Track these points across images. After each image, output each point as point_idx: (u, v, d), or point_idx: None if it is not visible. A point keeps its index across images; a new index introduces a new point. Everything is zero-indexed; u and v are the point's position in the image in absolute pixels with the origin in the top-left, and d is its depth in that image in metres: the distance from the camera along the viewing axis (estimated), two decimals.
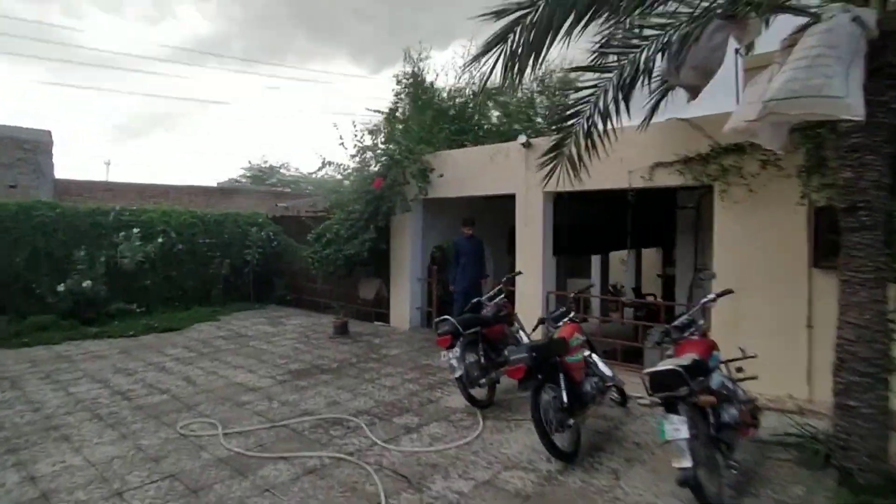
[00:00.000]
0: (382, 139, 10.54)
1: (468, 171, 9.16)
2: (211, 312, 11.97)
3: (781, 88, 3.49)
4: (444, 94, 12.99)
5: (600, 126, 5.57)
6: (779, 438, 4.59)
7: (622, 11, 3.63)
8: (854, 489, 3.75)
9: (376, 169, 10.08)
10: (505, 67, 4.45)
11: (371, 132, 10.52)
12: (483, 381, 5.83)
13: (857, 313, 3.77)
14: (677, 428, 3.28)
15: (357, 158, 10.41)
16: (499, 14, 4.29)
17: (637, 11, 3.87)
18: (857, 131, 3.83)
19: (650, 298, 14.33)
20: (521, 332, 6.47)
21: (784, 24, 4.45)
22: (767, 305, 5.80)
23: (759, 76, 4.28)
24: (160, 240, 11.77)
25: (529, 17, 4.23)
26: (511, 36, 4.35)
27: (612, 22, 4.51)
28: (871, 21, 3.54)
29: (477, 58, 4.55)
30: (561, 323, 5.32)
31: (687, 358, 3.67)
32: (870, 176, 3.77)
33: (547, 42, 4.22)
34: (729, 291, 4.51)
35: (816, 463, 4.20)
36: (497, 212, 10.72)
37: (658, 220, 10.89)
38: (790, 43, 4.07)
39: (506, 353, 5.79)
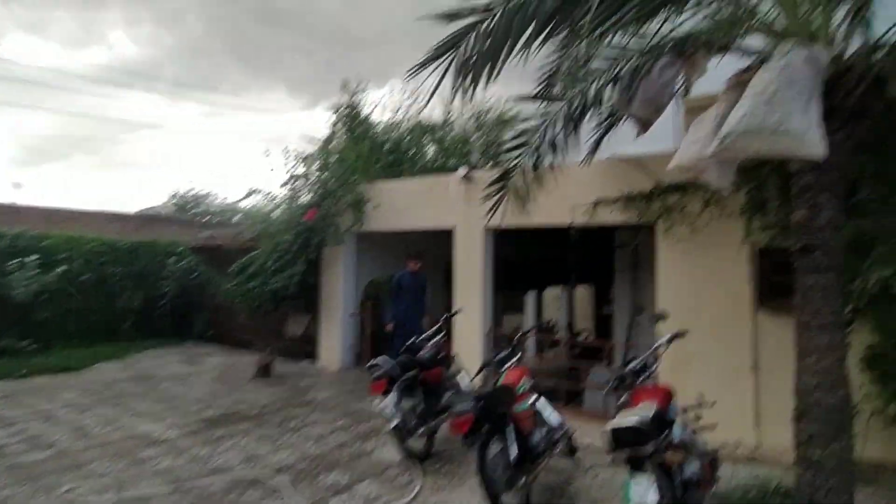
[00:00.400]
0: (316, 167, 10.03)
1: (405, 204, 8.79)
2: (118, 350, 10.89)
3: (739, 123, 3.34)
4: (380, 128, 12.72)
5: (549, 159, 5.35)
6: (741, 493, 4.30)
7: (585, 28, 3.39)
8: None
9: (309, 198, 9.56)
10: (457, 74, 4.06)
11: (304, 160, 9.98)
12: (421, 430, 5.32)
13: (817, 359, 3.59)
14: (645, 491, 2.94)
15: (288, 187, 9.86)
16: (451, 17, 3.94)
17: (596, 32, 3.63)
18: (808, 171, 3.73)
19: (584, 336, 14.29)
20: (463, 375, 6.03)
21: (723, 67, 4.42)
22: (712, 348, 5.65)
23: (705, 114, 4.17)
24: (61, 269, 10.65)
25: (485, 25, 3.91)
26: (464, 43, 4.00)
27: (565, 45, 4.30)
28: (824, 59, 3.49)
29: (424, 64, 4.13)
30: (505, 367, 4.93)
31: (648, 408, 3.35)
32: (824, 216, 3.67)
33: (504, 53, 3.91)
34: (681, 334, 4.26)
35: None
36: (433, 245, 10.36)
37: (594, 258, 10.83)
38: (735, 82, 4.00)
39: (445, 401, 5.35)
